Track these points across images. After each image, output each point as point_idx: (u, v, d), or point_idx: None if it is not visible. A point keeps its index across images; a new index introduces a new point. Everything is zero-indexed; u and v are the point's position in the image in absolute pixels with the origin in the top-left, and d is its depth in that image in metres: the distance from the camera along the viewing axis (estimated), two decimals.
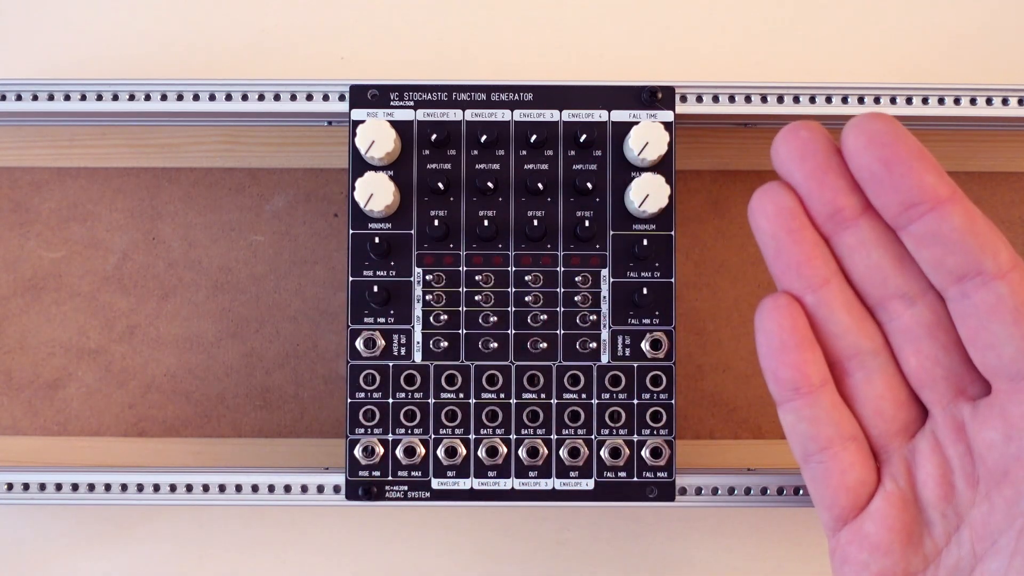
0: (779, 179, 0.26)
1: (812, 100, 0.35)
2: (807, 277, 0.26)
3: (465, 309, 0.34)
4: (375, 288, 0.34)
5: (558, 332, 0.35)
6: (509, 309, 0.34)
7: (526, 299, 0.35)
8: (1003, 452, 0.24)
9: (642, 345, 0.34)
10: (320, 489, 0.35)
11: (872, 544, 0.26)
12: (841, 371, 0.27)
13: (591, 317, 0.34)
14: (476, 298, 0.34)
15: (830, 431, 0.26)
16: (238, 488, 0.35)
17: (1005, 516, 0.24)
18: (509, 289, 0.34)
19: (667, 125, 0.34)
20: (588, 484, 0.34)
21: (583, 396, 0.34)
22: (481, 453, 0.34)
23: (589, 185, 0.34)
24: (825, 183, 0.25)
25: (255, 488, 0.35)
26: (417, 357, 0.34)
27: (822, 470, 0.27)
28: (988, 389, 0.25)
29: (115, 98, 0.36)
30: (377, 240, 0.34)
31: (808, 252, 0.26)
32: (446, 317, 0.34)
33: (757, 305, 0.27)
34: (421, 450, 0.34)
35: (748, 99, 0.35)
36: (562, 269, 0.35)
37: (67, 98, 0.36)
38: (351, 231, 0.34)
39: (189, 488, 0.35)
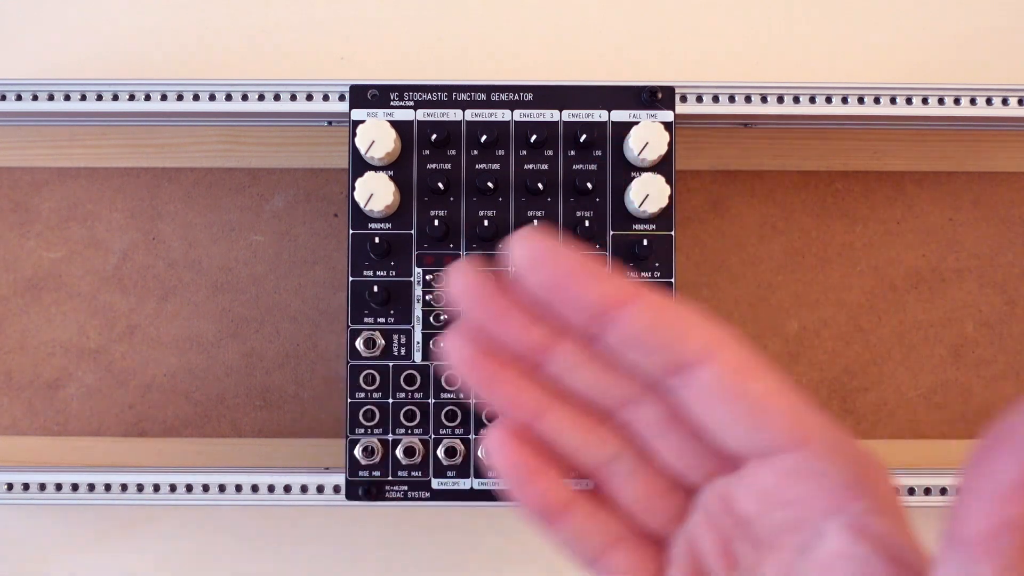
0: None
1: (812, 100, 0.35)
2: (523, 412, 0.26)
3: None
4: (375, 288, 0.34)
5: None
6: None
7: None
8: (765, 522, 0.24)
9: None
10: (320, 489, 0.35)
11: None
12: (599, 479, 0.27)
13: None
14: None
15: (599, 539, 0.27)
16: (238, 488, 0.35)
17: (793, 569, 0.24)
18: None
19: (667, 125, 0.34)
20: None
21: None
22: (481, 453, 0.34)
23: (589, 185, 0.34)
24: (507, 322, 0.25)
25: (255, 488, 0.35)
26: (417, 357, 0.34)
27: (607, 574, 0.27)
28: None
29: (115, 98, 0.36)
30: (377, 240, 0.34)
31: (512, 392, 0.25)
32: (446, 317, 0.34)
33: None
34: (421, 450, 0.34)
35: (748, 99, 0.35)
36: None
37: (67, 98, 0.36)
38: (351, 231, 0.34)
39: (189, 488, 0.35)
